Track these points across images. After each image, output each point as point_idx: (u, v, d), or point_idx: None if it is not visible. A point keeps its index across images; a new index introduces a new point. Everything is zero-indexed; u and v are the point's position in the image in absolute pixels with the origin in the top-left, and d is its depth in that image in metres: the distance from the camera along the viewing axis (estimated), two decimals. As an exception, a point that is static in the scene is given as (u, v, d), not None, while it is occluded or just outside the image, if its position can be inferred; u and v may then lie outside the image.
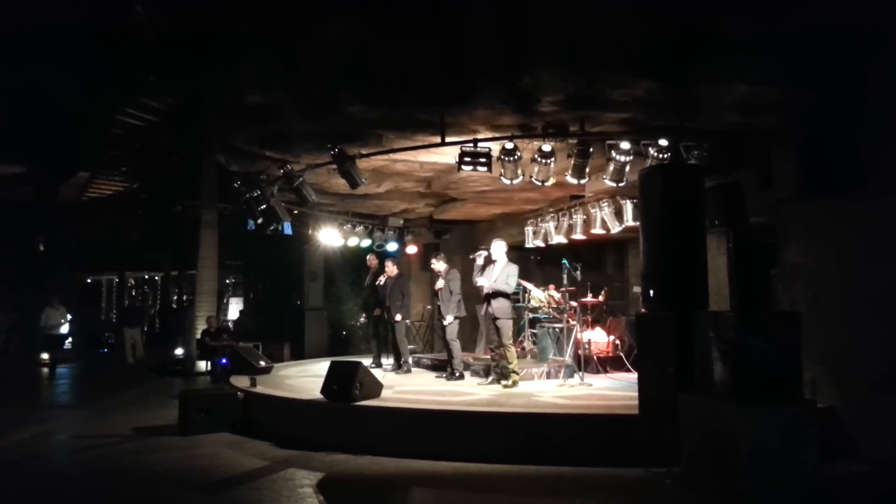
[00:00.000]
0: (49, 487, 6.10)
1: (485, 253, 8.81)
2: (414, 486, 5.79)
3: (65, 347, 19.79)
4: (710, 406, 5.29)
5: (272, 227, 10.24)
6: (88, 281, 26.53)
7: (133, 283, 27.42)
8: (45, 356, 17.28)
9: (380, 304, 10.56)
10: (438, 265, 9.66)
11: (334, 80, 7.14)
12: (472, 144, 7.73)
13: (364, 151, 8.35)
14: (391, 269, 10.53)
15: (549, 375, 9.24)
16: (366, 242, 12.83)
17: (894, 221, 5.88)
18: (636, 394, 6.25)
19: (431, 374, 10.09)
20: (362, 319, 11.68)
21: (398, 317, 10.16)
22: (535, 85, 6.49)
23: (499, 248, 8.75)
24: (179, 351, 15.48)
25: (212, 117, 12.67)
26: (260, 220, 10.06)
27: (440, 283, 9.57)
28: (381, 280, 10.57)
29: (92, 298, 26.68)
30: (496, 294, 8.51)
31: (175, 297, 24.34)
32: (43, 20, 12.43)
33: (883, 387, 5.89)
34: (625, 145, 7.34)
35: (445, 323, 9.37)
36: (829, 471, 5.58)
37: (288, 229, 11.05)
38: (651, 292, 6.22)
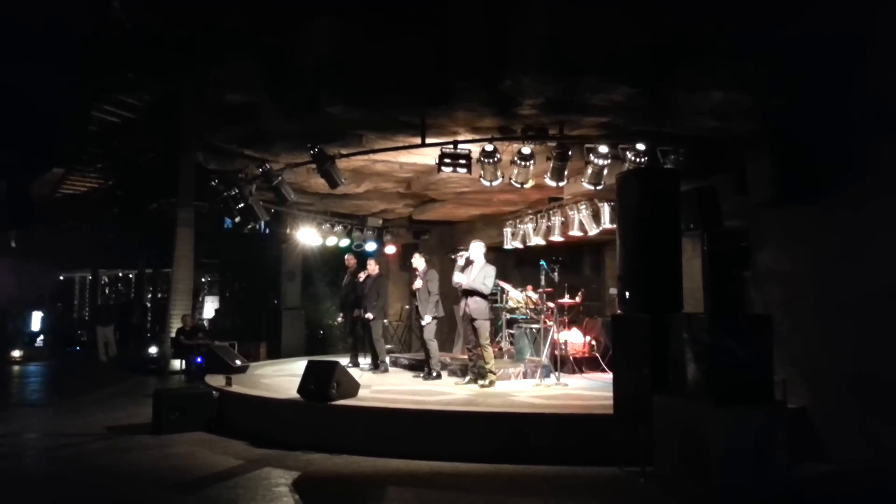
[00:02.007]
0: (18, 487, 6.01)
1: (466, 253, 8.85)
2: (390, 485, 5.80)
3: (36, 345, 19.55)
4: (684, 406, 5.37)
5: (250, 226, 10.22)
6: (61, 278, 26.14)
7: (107, 280, 27.06)
8: (15, 354, 17.09)
9: (357, 304, 10.54)
10: (418, 262, 9.69)
11: (315, 81, 7.13)
12: (452, 146, 7.76)
13: (344, 151, 8.34)
14: (372, 267, 10.54)
15: (525, 375, 9.30)
16: (344, 242, 12.81)
17: (865, 227, 6.01)
18: (611, 394, 6.32)
19: (409, 374, 10.11)
20: (339, 319, 11.65)
21: (369, 315, 10.15)
22: (515, 88, 6.54)
23: (477, 249, 8.79)
24: (153, 349, 15.33)
25: (190, 115, 12.57)
26: (237, 219, 10.03)
27: (418, 283, 9.60)
28: (361, 277, 10.58)
29: (65, 296, 26.31)
30: (473, 294, 8.56)
31: (150, 295, 24.05)
32: (19, 16, 12.26)
33: (852, 388, 6.02)
34: (603, 149, 7.42)
35: (423, 323, 9.40)
36: (800, 470, 5.69)
37: (265, 228, 11.00)
38: (627, 294, 6.29)
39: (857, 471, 5.84)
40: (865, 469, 5.79)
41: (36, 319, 20.99)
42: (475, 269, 8.67)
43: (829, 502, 5.36)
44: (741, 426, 5.06)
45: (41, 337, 20.75)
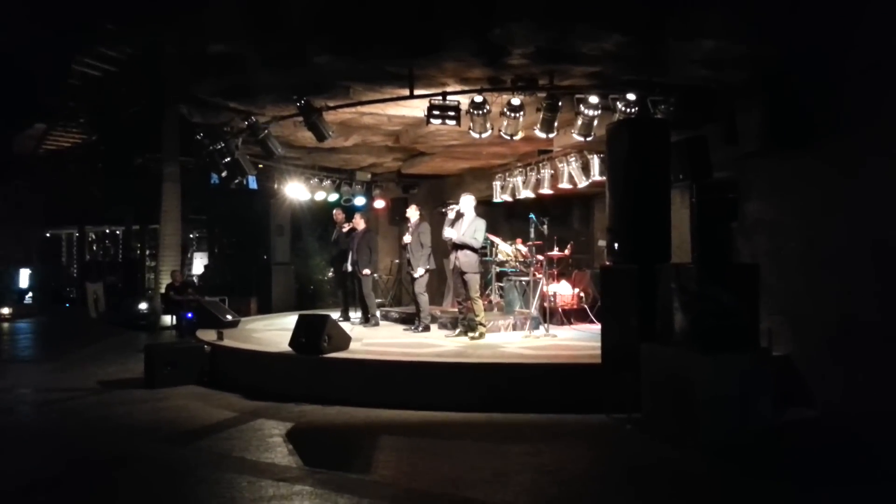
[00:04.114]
0: (14, 441, 6.07)
1: (456, 207, 8.83)
2: (383, 434, 5.89)
3: (25, 302, 19.52)
4: (671, 354, 5.46)
5: (237, 181, 10.10)
6: (48, 235, 25.94)
7: (94, 237, 26.89)
8: (4, 311, 17.07)
9: (345, 258, 10.55)
10: (413, 213, 9.67)
11: (301, 30, 6.98)
12: (441, 97, 7.68)
13: (331, 104, 8.24)
14: (358, 222, 10.53)
15: (515, 327, 9.40)
16: (333, 196, 12.76)
17: (851, 178, 6.02)
18: (599, 344, 6.41)
19: (399, 327, 10.18)
20: (330, 274, 11.68)
21: (366, 271, 10.18)
22: (505, 37, 6.44)
23: (467, 202, 8.77)
24: (143, 305, 15.34)
25: (173, 67, 12.30)
26: (224, 174, 9.91)
27: (407, 238, 9.61)
28: (346, 228, 10.60)
29: (52, 253, 26.14)
30: (463, 247, 8.57)
31: (138, 252, 23.94)
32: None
33: (836, 336, 6.12)
34: (593, 99, 7.37)
35: (416, 276, 9.43)
36: (785, 416, 5.83)
37: (253, 183, 10.93)
38: (616, 245, 6.33)
39: (840, 415, 5.97)
40: (847, 414, 5.92)
41: (24, 276, 20.89)
42: (465, 222, 8.67)
43: (810, 445, 5.49)
44: (727, 373, 5.17)
45: (30, 294, 20.69)
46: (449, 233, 8.73)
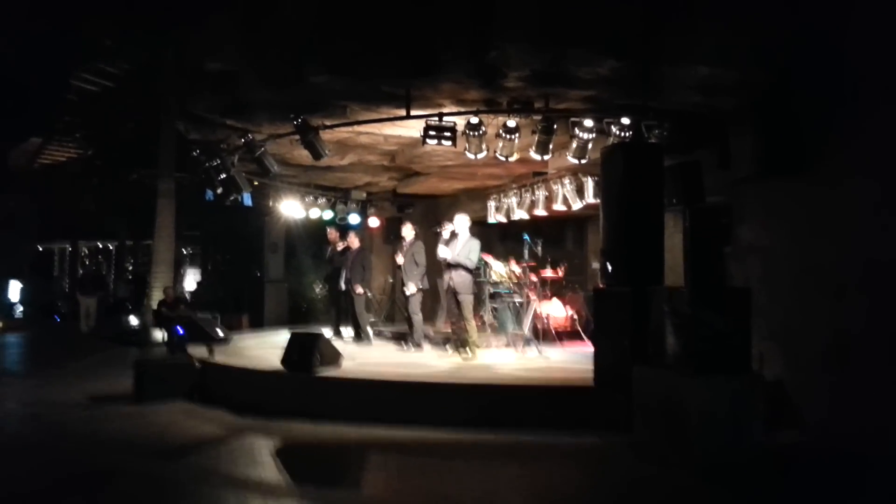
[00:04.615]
0: (0, 454, 6.01)
1: (451, 227, 8.85)
2: (373, 452, 5.84)
3: (16, 315, 19.40)
4: (664, 377, 5.46)
5: (232, 198, 10.11)
6: (40, 249, 25.83)
7: (87, 252, 26.78)
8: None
9: (338, 276, 10.55)
10: (407, 232, 9.68)
11: (299, 50, 7.04)
12: (437, 118, 7.73)
13: (328, 123, 8.27)
14: (352, 240, 10.55)
15: (508, 347, 9.37)
16: (328, 215, 12.76)
17: (842, 203, 6.07)
18: (592, 366, 6.40)
19: (392, 346, 10.16)
20: (318, 289, 11.68)
21: (359, 289, 10.17)
22: (501, 60, 6.51)
23: (462, 222, 8.80)
24: (134, 321, 15.25)
25: (170, 84, 12.36)
26: (219, 191, 9.93)
27: (400, 259, 9.61)
28: (340, 247, 10.60)
29: (44, 267, 26.03)
30: (457, 267, 8.58)
31: (131, 267, 23.85)
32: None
33: (827, 361, 6.13)
34: (588, 123, 7.43)
35: (408, 293, 9.41)
36: (775, 439, 5.81)
37: (248, 200, 10.92)
38: (609, 268, 6.35)
39: (831, 436, 5.96)
40: (838, 434, 5.91)
41: (15, 290, 20.78)
42: (460, 242, 8.69)
43: (801, 466, 5.48)
44: (719, 396, 5.17)
45: (20, 308, 20.57)
46: (443, 252, 8.74)
